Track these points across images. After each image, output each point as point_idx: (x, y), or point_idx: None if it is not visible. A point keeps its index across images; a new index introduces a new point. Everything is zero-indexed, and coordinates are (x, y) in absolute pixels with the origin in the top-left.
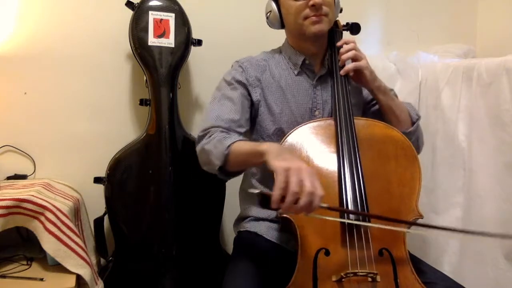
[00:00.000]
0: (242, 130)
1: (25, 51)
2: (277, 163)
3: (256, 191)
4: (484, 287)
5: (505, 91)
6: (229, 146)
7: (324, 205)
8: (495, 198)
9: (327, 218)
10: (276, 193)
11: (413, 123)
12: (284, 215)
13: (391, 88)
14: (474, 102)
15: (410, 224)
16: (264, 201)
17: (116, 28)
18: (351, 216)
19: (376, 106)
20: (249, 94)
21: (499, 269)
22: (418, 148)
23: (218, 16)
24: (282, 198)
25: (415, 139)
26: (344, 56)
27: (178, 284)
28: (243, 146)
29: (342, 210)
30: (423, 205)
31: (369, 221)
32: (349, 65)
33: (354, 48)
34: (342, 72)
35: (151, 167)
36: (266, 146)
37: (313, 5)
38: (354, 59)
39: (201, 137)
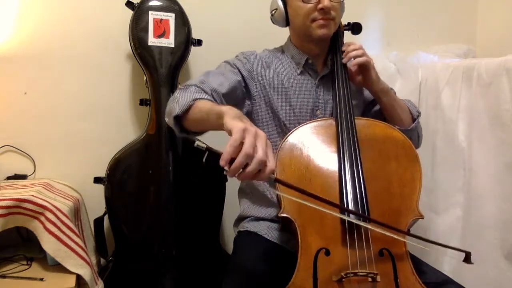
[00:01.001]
0: (218, 100)
1: (25, 51)
2: (235, 123)
3: (204, 145)
4: (484, 287)
5: (505, 91)
6: (196, 99)
7: (273, 176)
8: (495, 198)
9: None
10: (227, 150)
11: (413, 120)
12: (284, 215)
13: (391, 87)
14: (474, 102)
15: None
16: (211, 157)
17: (116, 28)
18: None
19: (377, 107)
20: (246, 86)
21: (499, 269)
22: (417, 145)
23: (218, 16)
24: (231, 161)
25: (416, 135)
26: (353, 53)
27: (178, 284)
28: (207, 104)
29: (296, 188)
30: (423, 205)
31: (369, 221)
32: (361, 58)
33: (361, 48)
34: (354, 62)
35: (151, 167)
36: (227, 108)
37: (321, 9)
38: (362, 56)
39: (177, 90)
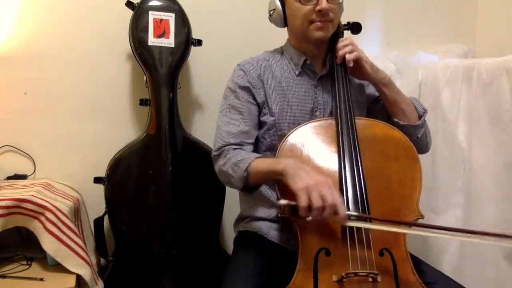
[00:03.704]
0: (253, 139)
1: (25, 51)
2: (296, 185)
3: (285, 201)
4: (484, 287)
5: (505, 91)
6: (246, 168)
7: (354, 213)
8: (495, 198)
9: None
10: (302, 212)
11: (419, 117)
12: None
13: None
14: (474, 102)
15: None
16: (294, 212)
17: (116, 28)
18: (352, 219)
19: (382, 102)
20: (254, 98)
21: (499, 269)
22: (427, 145)
23: (218, 16)
24: (309, 210)
25: (423, 134)
26: (341, 52)
27: (178, 284)
28: (260, 165)
29: (370, 218)
30: (423, 205)
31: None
32: (350, 55)
33: (351, 44)
34: (347, 62)
35: (151, 167)
36: (283, 166)
37: (319, 11)
38: (352, 52)
39: (216, 157)
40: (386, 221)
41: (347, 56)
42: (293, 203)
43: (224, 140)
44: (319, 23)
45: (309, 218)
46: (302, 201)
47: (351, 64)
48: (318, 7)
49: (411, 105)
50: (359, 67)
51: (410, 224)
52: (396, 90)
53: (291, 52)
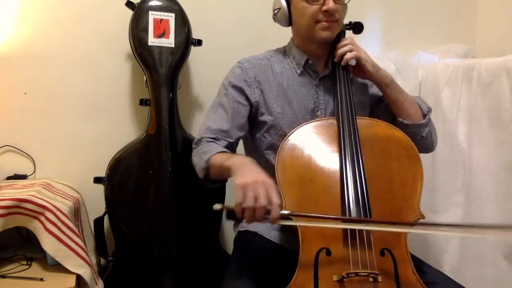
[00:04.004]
0: (232, 139)
1: (25, 51)
2: (236, 180)
3: (219, 207)
4: (484, 287)
5: (505, 91)
6: (208, 160)
7: (286, 212)
8: (495, 198)
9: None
10: (236, 209)
11: (424, 115)
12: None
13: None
14: (474, 102)
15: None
16: (229, 214)
17: (116, 28)
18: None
19: (386, 101)
20: (247, 97)
21: (499, 269)
22: (432, 144)
23: (218, 16)
24: (243, 210)
25: (427, 133)
26: (339, 51)
27: (178, 284)
28: (218, 160)
29: (306, 216)
30: (423, 205)
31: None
32: (347, 55)
33: (351, 43)
34: (342, 62)
35: (151, 167)
36: (230, 162)
37: (326, 11)
38: (351, 51)
39: (193, 149)
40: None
41: (345, 55)
42: (229, 207)
43: (201, 135)
44: (325, 23)
45: (244, 217)
46: (237, 198)
47: (354, 63)
48: (325, 7)
49: (415, 104)
50: (360, 67)
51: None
52: (399, 89)
53: (294, 51)
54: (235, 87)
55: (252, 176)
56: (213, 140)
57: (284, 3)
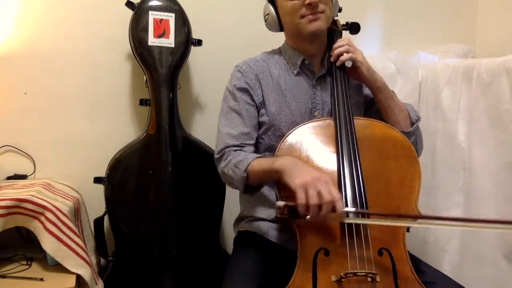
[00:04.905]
0: (253, 140)
1: (25, 51)
2: (293, 182)
3: (283, 202)
4: (484, 287)
5: (505, 91)
6: (246, 169)
7: (352, 209)
8: (495, 198)
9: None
10: (300, 209)
11: (412, 124)
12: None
13: (392, 90)
14: (474, 102)
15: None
16: (292, 213)
17: (116, 28)
18: (351, 215)
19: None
20: (252, 98)
21: (499, 269)
22: (417, 151)
23: (218, 16)
24: (307, 208)
25: (413, 140)
26: (336, 51)
27: (178, 284)
28: (259, 165)
29: (368, 213)
30: (423, 205)
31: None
32: (343, 56)
33: (348, 44)
34: (338, 63)
35: (151, 167)
36: (279, 164)
37: (309, 4)
38: (347, 53)
39: (218, 160)
40: (386, 215)
41: (341, 56)
42: (290, 203)
43: (225, 142)
44: (310, 16)
45: (308, 217)
46: (300, 199)
47: (349, 64)
48: (307, 1)
49: (405, 111)
50: (355, 69)
51: (411, 217)
52: (390, 95)
53: (289, 52)
54: (241, 90)
55: (309, 174)
56: (239, 148)
57: (271, 8)
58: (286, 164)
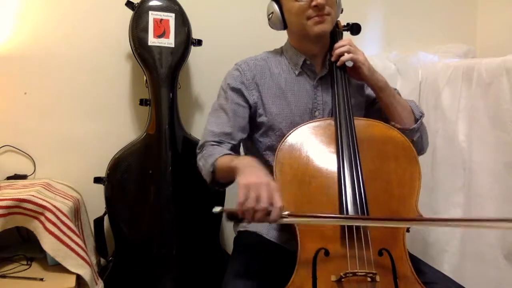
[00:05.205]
0: (235, 141)
1: (25, 51)
2: (240, 180)
3: (219, 209)
4: (484, 287)
5: (505, 91)
6: (213, 162)
7: (285, 213)
8: (495, 198)
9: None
10: (238, 208)
11: (416, 120)
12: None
13: (394, 87)
14: (474, 102)
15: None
16: (229, 216)
17: (116, 28)
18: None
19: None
20: (246, 99)
21: (499, 269)
22: (423, 148)
23: (218, 16)
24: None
25: (419, 137)
26: (337, 51)
27: (178, 284)
28: (223, 162)
29: (305, 216)
30: (423, 205)
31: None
32: (344, 56)
33: (349, 44)
34: (339, 63)
35: (151, 167)
36: (235, 163)
37: (315, 6)
38: (348, 53)
39: (198, 154)
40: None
41: (342, 56)
42: (229, 209)
43: (205, 138)
44: (316, 17)
45: (244, 217)
46: (239, 198)
47: (350, 65)
48: (313, 3)
49: (408, 108)
50: (356, 69)
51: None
52: (392, 93)
53: (290, 52)
54: (234, 90)
55: (256, 177)
56: (217, 144)
57: (276, 7)
58: (241, 164)
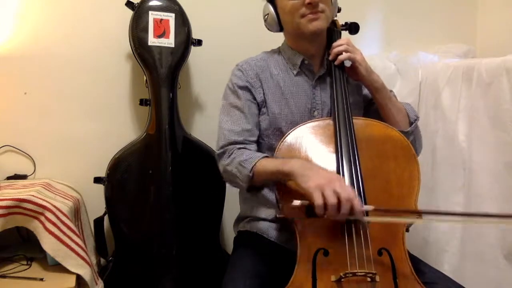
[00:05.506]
0: (256, 138)
1: (25, 51)
2: (307, 184)
3: (299, 202)
4: (484, 287)
5: (505, 91)
6: (252, 168)
7: (370, 207)
8: (495, 198)
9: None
10: (318, 211)
11: (411, 124)
12: (282, 216)
13: (391, 89)
14: (474, 102)
15: (413, 212)
16: (308, 211)
17: (116, 28)
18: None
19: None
20: (254, 97)
21: (499, 269)
22: (416, 150)
23: (218, 16)
24: (325, 208)
25: (412, 140)
26: (335, 50)
27: (178, 284)
28: (267, 166)
29: (389, 210)
30: (423, 205)
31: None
32: (342, 55)
33: (347, 43)
34: (336, 62)
35: (151, 167)
36: (290, 166)
37: (309, 3)
38: (346, 52)
39: (220, 156)
40: (403, 211)
41: (340, 55)
42: (307, 202)
43: (227, 139)
44: (310, 15)
45: (327, 215)
46: (317, 199)
47: (348, 64)
48: (307, 0)
49: (403, 111)
50: (353, 69)
51: (418, 212)
52: (388, 95)
53: (288, 52)
54: (243, 88)
55: (323, 176)
56: (242, 146)
57: (271, 8)
58: (297, 167)
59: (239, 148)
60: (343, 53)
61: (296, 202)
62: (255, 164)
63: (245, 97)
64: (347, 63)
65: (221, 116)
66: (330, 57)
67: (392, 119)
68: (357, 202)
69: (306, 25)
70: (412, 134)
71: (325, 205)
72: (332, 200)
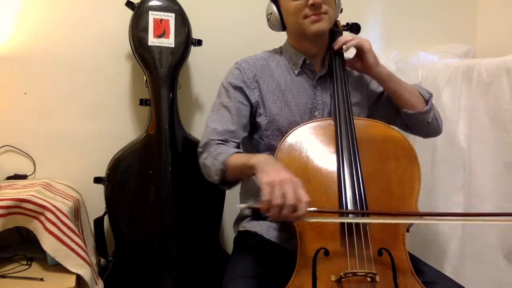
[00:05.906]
0: (238, 139)
1: (25, 51)
2: (262, 178)
3: (244, 205)
4: (484, 287)
5: (505, 91)
6: (224, 161)
7: (312, 209)
8: (495, 198)
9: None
10: (262, 206)
11: (426, 102)
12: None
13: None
14: (474, 102)
15: (407, 215)
16: (254, 213)
17: (116, 28)
18: (350, 215)
19: (385, 96)
20: (247, 98)
21: (499, 269)
22: (439, 126)
23: (218, 16)
24: (269, 207)
25: (433, 118)
26: (342, 39)
27: (178, 284)
28: (236, 160)
29: (333, 212)
30: (423, 205)
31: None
32: (351, 42)
33: (353, 38)
34: (344, 48)
35: (151, 167)
36: (254, 160)
37: (312, 4)
38: (353, 40)
39: (200, 152)
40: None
41: (348, 43)
42: (254, 206)
43: (209, 138)
44: (313, 16)
45: (269, 215)
46: (264, 196)
47: (353, 52)
48: (310, 1)
49: (416, 93)
50: (361, 58)
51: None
52: (397, 81)
53: (290, 52)
54: (236, 88)
55: (278, 174)
56: (222, 143)
57: (274, 8)
58: (260, 162)
59: (217, 144)
60: (352, 41)
61: (241, 205)
62: (228, 158)
63: (235, 98)
64: (351, 53)
65: (210, 114)
66: (336, 47)
67: (407, 103)
68: (301, 208)
69: (309, 26)
70: (431, 111)
71: (269, 203)
72: (276, 200)
